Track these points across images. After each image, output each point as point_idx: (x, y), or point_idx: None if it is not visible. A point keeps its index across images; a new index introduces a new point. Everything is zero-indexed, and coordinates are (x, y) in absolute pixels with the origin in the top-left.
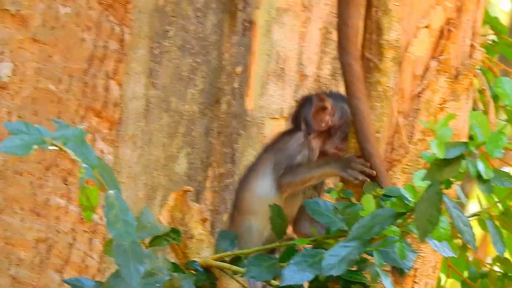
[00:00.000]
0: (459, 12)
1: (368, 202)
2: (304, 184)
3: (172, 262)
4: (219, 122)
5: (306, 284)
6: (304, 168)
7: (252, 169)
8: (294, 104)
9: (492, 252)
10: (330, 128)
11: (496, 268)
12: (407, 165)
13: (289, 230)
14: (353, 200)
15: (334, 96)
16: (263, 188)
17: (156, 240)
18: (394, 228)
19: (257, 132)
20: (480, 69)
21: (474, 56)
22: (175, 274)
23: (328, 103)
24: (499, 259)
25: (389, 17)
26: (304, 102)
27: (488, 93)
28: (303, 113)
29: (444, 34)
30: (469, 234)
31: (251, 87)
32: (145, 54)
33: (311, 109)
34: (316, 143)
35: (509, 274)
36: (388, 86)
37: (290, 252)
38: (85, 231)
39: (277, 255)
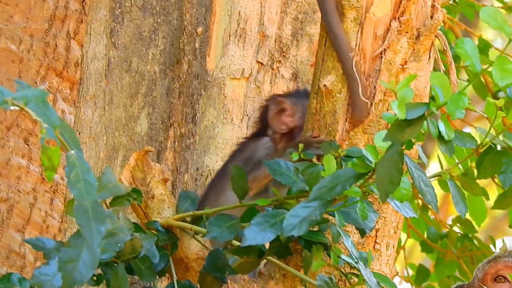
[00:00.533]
0: None
1: (329, 163)
2: (268, 177)
3: (133, 222)
4: (180, 82)
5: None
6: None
7: (221, 176)
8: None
9: (452, 212)
10: (292, 129)
11: (456, 229)
12: (368, 125)
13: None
14: (314, 160)
15: (295, 95)
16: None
17: (117, 200)
18: (355, 188)
19: (218, 92)
20: (441, 30)
21: (435, 17)
22: (136, 234)
23: (287, 105)
24: (459, 220)
25: None
26: (266, 105)
27: (449, 54)
28: (265, 116)
29: None
30: (431, 195)
31: (212, 47)
32: (106, 15)
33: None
34: (281, 145)
35: (469, 235)
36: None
37: (251, 213)
38: (46, 191)
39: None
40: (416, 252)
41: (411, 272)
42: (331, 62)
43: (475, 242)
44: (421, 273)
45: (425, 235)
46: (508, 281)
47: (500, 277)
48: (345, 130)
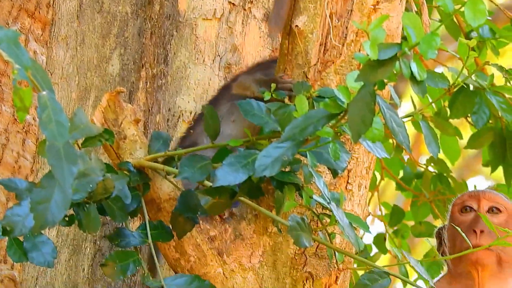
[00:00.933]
0: None
1: (301, 103)
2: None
3: (105, 163)
4: (152, 23)
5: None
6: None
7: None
8: (227, 4)
9: (425, 151)
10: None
11: (431, 169)
12: (340, 66)
13: None
14: (287, 101)
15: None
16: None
17: (89, 141)
18: (328, 129)
19: (190, 33)
20: None
21: None
22: (108, 174)
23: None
24: (433, 160)
25: None
26: None
27: None
28: None
29: None
30: (403, 135)
31: None
32: None
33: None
34: None
35: (444, 174)
36: None
37: (223, 153)
38: (18, 132)
39: None
40: (390, 192)
41: (384, 211)
42: (303, 3)
43: (450, 181)
44: (396, 214)
45: (400, 176)
46: (474, 210)
47: (466, 208)
48: (317, 71)
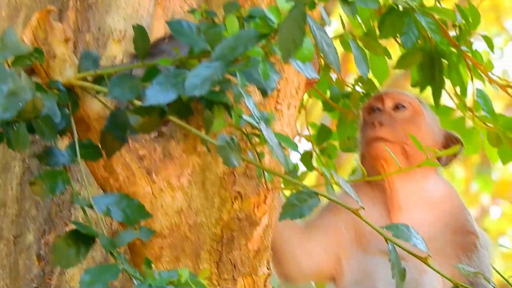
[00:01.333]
0: None
1: (232, 23)
2: None
3: (35, 82)
4: None
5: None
6: None
7: None
8: None
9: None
10: None
11: (358, 89)
12: None
13: None
14: (217, 20)
15: None
16: None
17: (19, 60)
18: (258, 49)
19: None
20: None
21: None
22: (37, 93)
23: None
24: (361, 80)
25: None
26: None
27: None
28: None
29: None
30: (333, 56)
31: None
32: None
33: None
34: None
35: (371, 94)
36: None
37: (152, 72)
38: None
39: None
40: (317, 111)
41: (312, 131)
42: None
43: None
44: (322, 132)
45: (328, 95)
46: (379, 109)
47: (373, 109)
48: None
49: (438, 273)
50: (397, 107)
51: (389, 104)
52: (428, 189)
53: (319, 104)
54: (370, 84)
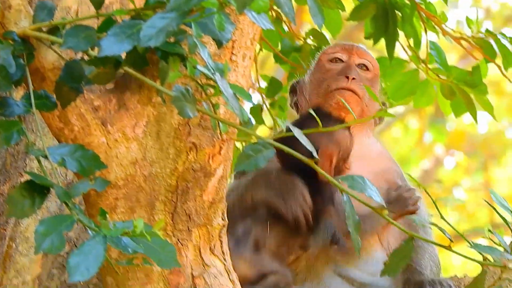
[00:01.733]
0: None
1: None
2: None
3: None
4: None
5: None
6: None
7: None
8: None
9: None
10: None
11: (310, 42)
12: None
13: None
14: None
15: None
16: None
17: None
18: None
19: None
20: None
21: None
22: None
23: None
24: (312, 33)
25: None
26: None
27: None
28: None
29: None
30: (288, 7)
31: None
32: None
33: None
34: None
35: (323, 47)
36: None
37: (107, 23)
38: None
39: None
40: (269, 65)
41: (263, 83)
42: None
43: None
44: (273, 85)
45: (279, 48)
46: (343, 62)
47: (336, 59)
48: None
49: (394, 224)
50: (364, 66)
51: (356, 60)
52: (369, 147)
53: (271, 57)
54: (321, 38)
